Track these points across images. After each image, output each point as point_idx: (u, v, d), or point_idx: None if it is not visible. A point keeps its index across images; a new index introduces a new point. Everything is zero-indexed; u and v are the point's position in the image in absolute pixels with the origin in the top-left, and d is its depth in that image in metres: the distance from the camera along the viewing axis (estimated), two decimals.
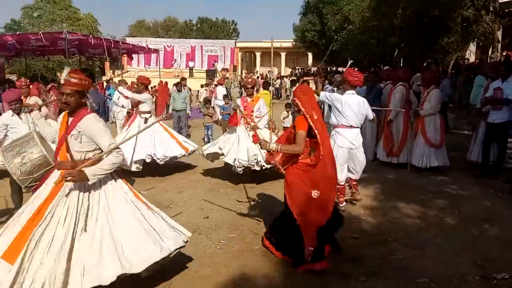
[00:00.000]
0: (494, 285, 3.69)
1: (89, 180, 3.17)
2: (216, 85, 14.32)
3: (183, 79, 13.93)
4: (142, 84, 7.85)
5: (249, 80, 7.70)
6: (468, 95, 15.73)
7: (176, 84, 12.28)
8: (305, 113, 3.94)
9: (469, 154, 7.78)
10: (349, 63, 7.98)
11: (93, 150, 3.34)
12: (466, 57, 20.99)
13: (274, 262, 4.16)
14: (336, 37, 22.32)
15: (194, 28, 64.04)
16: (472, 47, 20.65)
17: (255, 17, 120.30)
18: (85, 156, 3.31)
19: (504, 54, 16.34)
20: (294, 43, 38.78)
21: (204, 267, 4.06)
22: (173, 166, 8.05)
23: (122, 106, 11.74)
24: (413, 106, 8.06)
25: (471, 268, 3.99)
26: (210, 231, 5.00)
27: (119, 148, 3.31)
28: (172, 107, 11.65)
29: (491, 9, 14.05)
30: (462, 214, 5.47)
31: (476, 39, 17.54)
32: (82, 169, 3.16)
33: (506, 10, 14.41)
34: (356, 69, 9.71)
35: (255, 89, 8.28)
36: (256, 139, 4.18)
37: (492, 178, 6.93)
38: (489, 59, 15.48)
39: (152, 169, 7.61)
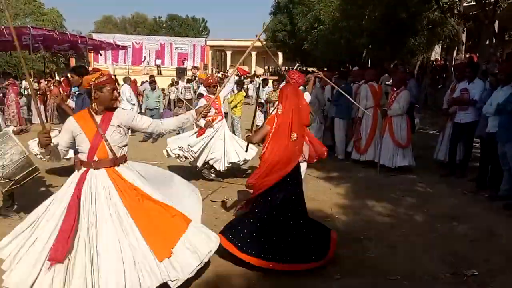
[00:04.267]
0: (464, 282, 3.79)
1: None
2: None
3: (152, 77, 13.71)
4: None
5: (210, 80, 7.59)
6: (434, 95, 16.19)
7: (150, 82, 12.10)
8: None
9: (436, 153, 7.98)
10: (296, 66, 8.13)
11: (126, 144, 3.46)
12: (431, 58, 21.56)
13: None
14: (306, 36, 22.50)
15: (164, 25, 63.30)
16: (438, 49, 21.23)
17: (226, 15, 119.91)
18: (121, 151, 3.41)
19: (467, 56, 16.88)
20: (264, 42, 38.88)
21: None
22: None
23: (133, 104, 11.52)
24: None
25: (441, 265, 4.08)
26: None
27: None
28: (146, 105, 11.45)
29: (456, 12, 14.47)
30: (431, 212, 5.61)
31: (441, 41, 18.04)
32: None
33: (470, 13, 14.88)
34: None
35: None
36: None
37: (459, 177, 7.13)
38: (453, 60, 15.95)
39: None
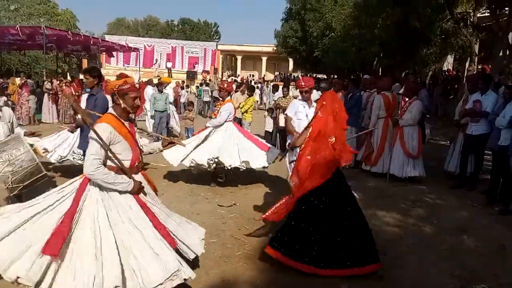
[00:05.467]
0: None
1: None
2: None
3: (160, 79, 13.73)
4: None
5: (221, 85, 7.59)
6: (445, 106, 16.05)
7: (157, 85, 12.10)
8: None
9: (446, 165, 7.91)
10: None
11: None
12: (443, 69, 21.42)
13: (256, 269, 4.12)
14: (318, 42, 22.48)
15: (176, 28, 63.72)
16: (450, 59, 21.11)
17: (237, 20, 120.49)
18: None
19: (480, 67, 16.76)
20: (275, 48, 38.99)
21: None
22: (149, 168, 7.93)
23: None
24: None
25: (449, 278, 4.04)
26: None
27: None
28: (154, 108, 11.45)
29: (469, 22, 14.37)
30: (440, 224, 5.55)
31: (454, 52, 17.93)
32: None
33: (483, 24, 14.77)
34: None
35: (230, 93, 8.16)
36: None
37: (469, 189, 7.06)
38: (466, 71, 15.85)
39: None
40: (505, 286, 3.93)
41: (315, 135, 4.19)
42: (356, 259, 3.94)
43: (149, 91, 12.34)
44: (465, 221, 5.66)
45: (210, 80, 24.08)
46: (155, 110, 11.35)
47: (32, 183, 4.11)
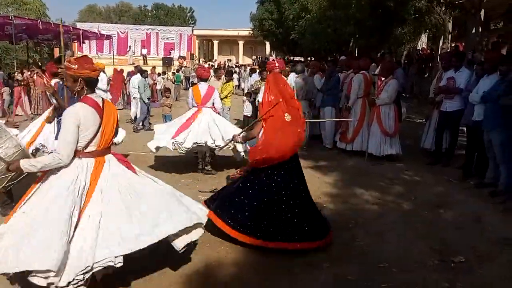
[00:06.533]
0: (452, 268, 3.83)
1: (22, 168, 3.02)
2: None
3: (137, 67, 13.56)
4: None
5: (204, 72, 7.46)
6: (420, 84, 16.25)
7: (141, 73, 11.96)
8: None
9: (422, 142, 8.04)
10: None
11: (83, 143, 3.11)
12: (417, 47, 21.65)
13: (238, 252, 4.13)
14: (294, 25, 22.38)
15: (149, 14, 62.58)
16: (424, 38, 21.33)
17: (213, 4, 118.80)
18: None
19: (453, 45, 16.99)
20: (252, 31, 38.70)
21: (165, 261, 3.96)
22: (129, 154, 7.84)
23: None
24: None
25: (429, 252, 4.13)
26: None
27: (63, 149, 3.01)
28: (146, 95, 11.42)
29: (442, 1, 14.51)
30: (418, 200, 5.67)
31: (427, 30, 18.11)
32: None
33: (457, 2, 14.93)
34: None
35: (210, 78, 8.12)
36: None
37: (444, 165, 7.21)
38: (440, 49, 16.04)
39: None
40: (482, 258, 4.03)
41: (266, 118, 4.25)
42: (305, 235, 4.09)
43: (135, 78, 12.26)
44: (441, 197, 5.78)
45: (186, 66, 23.82)
46: (148, 99, 11.39)
47: (21, 173, 3.94)
